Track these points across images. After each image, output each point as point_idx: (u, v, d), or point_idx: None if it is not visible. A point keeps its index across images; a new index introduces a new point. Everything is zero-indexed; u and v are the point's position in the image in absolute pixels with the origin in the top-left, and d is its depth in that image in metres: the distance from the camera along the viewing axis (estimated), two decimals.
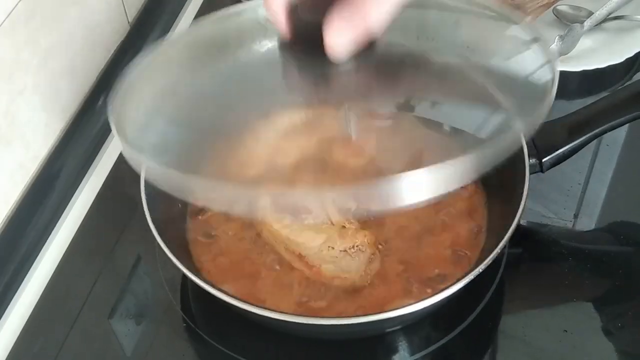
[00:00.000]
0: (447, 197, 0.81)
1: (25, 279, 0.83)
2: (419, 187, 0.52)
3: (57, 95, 0.93)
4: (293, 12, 0.63)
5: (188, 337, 0.76)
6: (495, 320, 0.76)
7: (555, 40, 0.99)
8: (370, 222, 0.79)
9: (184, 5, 1.20)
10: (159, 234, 0.70)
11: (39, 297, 0.80)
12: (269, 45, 0.76)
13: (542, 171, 0.76)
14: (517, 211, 0.69)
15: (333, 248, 0.74)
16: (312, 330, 0.69)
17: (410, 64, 0.68)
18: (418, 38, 0.69)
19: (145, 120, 0.66)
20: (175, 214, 0.80)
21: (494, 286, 0.76)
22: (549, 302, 0.77)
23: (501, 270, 0.78)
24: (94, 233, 0.87)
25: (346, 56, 0.61)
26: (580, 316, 0.75)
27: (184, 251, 0.76)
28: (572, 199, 0.87)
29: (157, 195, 0.75)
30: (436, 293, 0.64)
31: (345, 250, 0.74)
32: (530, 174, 0.73)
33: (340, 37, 0.59)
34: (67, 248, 0.85)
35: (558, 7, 1.08)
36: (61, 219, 0.89)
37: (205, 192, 0.59)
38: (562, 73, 0.98)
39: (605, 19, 1.05)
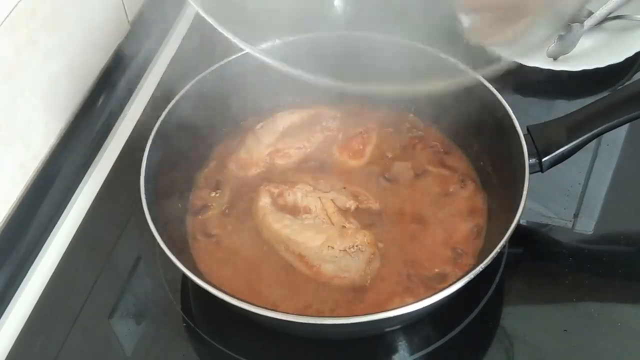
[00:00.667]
0: (448, 196, 0.81)
1: (26, 278, 0.83)
2: None
3: (57, 95, 0.93)
4: None
5: (188, 337, 0.76)
6: (495, 321, 0.76)
7: (555, 40, 0.99)
8: (370, 222, 0.79)
9: (184, 5, 1.20)
10: (159, 233, 0.70)
11: (39, 296, 0.80)
12: None
13: (541, 171, 0.76)
14: (517, 211, 0.69)
15: (333, 248, 0.74)
16: (312, 330, 0.69)
17: None
18: None
19: None
20: (175, 213, 0.80)
21: (494, 286, 0.77)
22: (549, 302, 0.77)
23: (501, 270, 0.78)
24: (94, 233, 0.87)
25: None
26: (580, 316, 0.75)
27: (184, 251, 0.76)
28: (572, 199, 0.87)
29: (157, 195, 0.75)
30: (436, 292, 0.64)
31: (345, 250, 0.74)
32: (530, 173, 0.73)
33: None
34: (67, 248, 0.85)
35: None
36: (61, 218, 0.89)
37: None
38: (562, 73, 0.99)
39: (605, 19, 1.05)
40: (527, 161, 0.73)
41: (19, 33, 0.83)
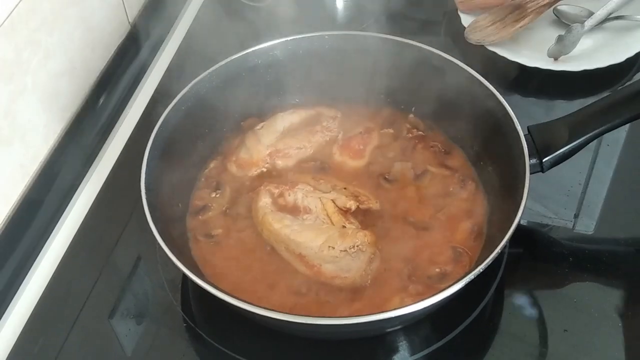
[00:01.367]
0: (448, 196, 0.81)
1: (26, 279, 0.83)
2: None
3: (57, 95, 0.93)
4: None
5: (188, 337, 0.76)
6: (496, 320, 0.76)
7: (555, 40, 0.99)
8: (370, 222, 0.79)
9: (184, 5, 1.20)
10: (160, 234, 0.70)
11: (39, 297, 0.80)
12: None
13: (542, 171, 0.76)
14: (517, 211, 0.69)
15: (333, 248, 0.74)
16: (311, 330, 0.69)
17: None
18: None
19: None
20: (175, 213, 0.80)
21: (494, 286, 0.76)
22: (549, 302, 0.77)
23: (501, 270, 0.78)
24: (94, 233, 0.87)
25: None
26: (580, 316, 0.75)
27: (184, 251, 0.76)
28: (572, 199, 0.87)
29: (157, 195, 0.75)
30: (436, 293, 0.64)
31: (345, 250, 0.74)
32: (531, 173, 0.73)
33: None
34: (67, 248, 0.85)
35: (558, 7, 1.08)
36: (61, 219, 0.89)
37: None
38: (563, 73, 0.99)
39: (606, 19, 1.05)
40: (527, 161, 0.73)
41: (19, 33, 0.83)
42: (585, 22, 1.03)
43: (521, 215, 0.68)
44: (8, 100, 0.82)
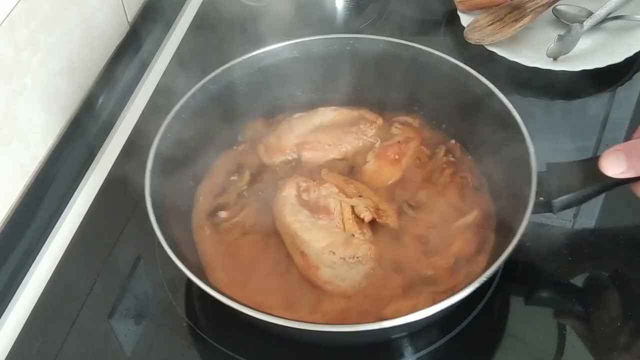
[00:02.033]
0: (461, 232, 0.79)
1: (25, 278, 0.83)
2: None
3: (57, 95, 0.93)
4: None
5: (188, 337, 0.76)
6: (495, 321, 0.76)
7: (555, 40, 0.99)
8: (386, 238, 0.78)
9: (183, 5, 1.20)
10: (163, 235, 0.69)
11: (38, 297, 0.80)
12: None
13: (552, 212, 0.73)
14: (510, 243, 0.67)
15: (334, 253, 0.74)
16: (306, 336, 0.69)
17: None
18: None
19: None
20: (178, 214, 0.80)
21: (493, 286, 0.76)
22: (548, 302, 0.77)
23: (500, 270, 0.78)
24: (94, 233, 0.87)
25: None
26: (580, 316, 0.75)
27: (188, 253, 0.76)
28: None
29: (160, 196, 0.74)
30: (444, 299, 0.63)
31: (344, 259, 0.74)
32: (540, 212, 0.71)
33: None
34: (67, 248, 0.85)
35: (558, 7, 1.08)
36: (61, 218, 0.89)
37: None
38: (562, 73, 0.99)
39: (605, 19, 1.05)
40: (531, 205, 0.70)
41: (19, 33, 0.83)
42: (585, 22, 1.03)
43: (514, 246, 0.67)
44: (8, 100, 0.82)
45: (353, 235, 0.76)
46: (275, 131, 0.89)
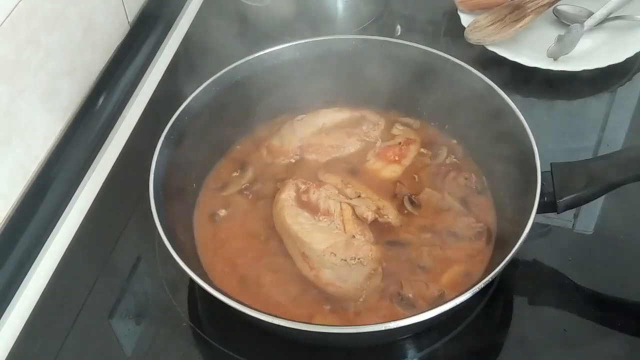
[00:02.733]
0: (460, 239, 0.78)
1: (26, 278, 0.83)
2: None
3: (57, 95, 0.93)
4: None
5: (188, 337, 0.76)
6: (495, 321, 0.76)
7: (555, 40, 0.99)
8: (386, 238, 0.78)
9: (183, 5, 1.20)
10: (165, 234, 0.69)
11: (39, 297, 0.80)
12: None
13: (556, 211, 0.73)
14: (508, 253, 0.67)
15: (335, 255, 0.74)
16: (306, 337, 0.69)
17: None
18: None
19: None
20: (180, 213, 0.79)
21: (493, 286, 0.76)
22: (549, 303, 0.77)
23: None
24: (94, 233, 0.87)
25: None
26: (581, 316, 0.75)
27: (188, 252, 0.76)
28: None
29: (163, 195, 0.74)
30: (446, 301, 0.63)
31: (345, 260, 0.73)
32: (544, 212, 0.72)
33: None
34: (67, 248, 0.85)
35: (558, 7, 1.08)
36: (61, 218, 0.89)
37: None
38: (562, 73, 0.99)
39: (606, 19, 1.05)
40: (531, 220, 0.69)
41: (19, 33, 0.83)
42: (585, 22, 1.03)
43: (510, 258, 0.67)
44: (8, 100, 0.82)
45: (354, 237, 0.76)
46: (278, 133, 0.89)
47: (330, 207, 0.78)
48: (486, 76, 0.82)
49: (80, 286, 0.81)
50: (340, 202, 0.79)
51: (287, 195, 0.79)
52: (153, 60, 1.09)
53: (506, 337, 0.74)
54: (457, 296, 0.64)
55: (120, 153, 0.95)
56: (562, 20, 1.08)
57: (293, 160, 0.87)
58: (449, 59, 0.84)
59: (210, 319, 0.77)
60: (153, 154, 0.76)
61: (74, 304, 0.79)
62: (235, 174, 0.86)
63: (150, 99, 1.03)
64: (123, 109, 1.02)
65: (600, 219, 0.84)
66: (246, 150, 0.89)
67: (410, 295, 0.72)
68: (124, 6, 1.07)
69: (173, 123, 0.79)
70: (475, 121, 0.83)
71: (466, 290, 0.64)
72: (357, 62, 0.89)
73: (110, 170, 0.93)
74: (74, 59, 0.95)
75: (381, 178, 0.85)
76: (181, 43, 1.12)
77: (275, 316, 0.64)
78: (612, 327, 0.74)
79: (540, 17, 1.05)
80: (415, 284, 0.73)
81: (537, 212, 0.69)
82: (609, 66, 0.98)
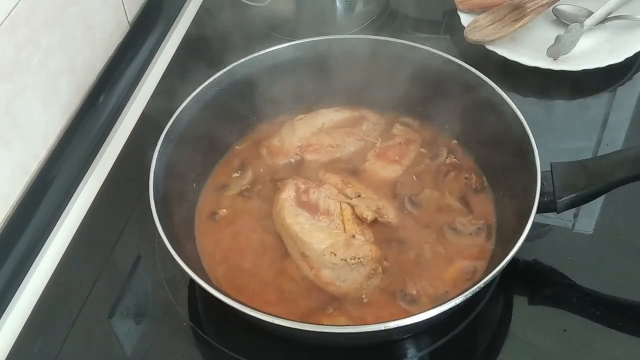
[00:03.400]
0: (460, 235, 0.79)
1: (26, 278, 0.83)
2: None
3: (57, 94, 0.93)
4: None
5: (188, 337, 0.76)
6: (495, 321, 0.76)
7: (555, 40, 0.99)
8: (387, 237, 0.78)
9: (183, 5, 1.20)
10: (165, 233, 0.69)
11: (39, 296, 0.80)
12: None
13: (556, 211, 0.73)
14: (507, 254, 0.67)
15: (335, 255, 0.74)
16: (306, 336, 0.69)
17: None
18: None
19: None
20: (180, 213, 0.80)
21: (493, 287, 0.76)
22: (549, 303, 0.77)
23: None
24: (94, 232, 0.87)
25: None
26: (580, 316, 0.75)
27: (189, 252, 0.76)
28: None
29: (163, 194, 0.74)
30: (446, 301, 0.64)
31: (345, 260, 0.73)
32: (544, 212, 0.72)
33: None
34: (67, 247, 0.85)
35: (558, 7, 1.08)
36: (61, 218, 0.89)
37: None
38: (562, 72, 0.99)
39: (605, 19, 1.05)
40: (531, 219, 0.69)
41: (19, 32, 0.83)
42: (585, 22, 1.03)
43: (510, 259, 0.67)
44: (8, 99, 0.82)
45: (354, 236, 0.76)
46: (278, 133, 0.89)
47: (330, 207, 0.78)
48: (486, 76, 0.82)
49: (80, 286, 0.81)
50: (340, 202, 0.79)
51: (287, 195, 0.79)
52: (153, 60, 1.09)
53: (506, 337, 0.74)
54: (457, 295, 0.64)
55: (120, 152, 0.95)
56: (561, 19, 1.08)
57: (293, 160, 0.87)
58: (448, 59, 0.85)
59: (211, 318, 0.77)
60: (153, 153, 0.76)
61: (74, 303, 0.79)
62: (235, 174, 0.86)
63: (150, 99, 1.03)
64: (123, 109, 1.02)
65: (600, 219, 0.84)
66: (246, 150, 0.89)
67: (414, 292, 0.73)
68: (123, 5, 1.07)
69: (173, 123, 0.79)
70: (475, 121, 0.83)
71: (467, 289, 0.64)
72: (357, 62, 0.89)
73: (110, 170, 0.93)
74: (73, 58, 0.95)
75: (381, 178, 0.85)
76: (181, 43, 1.12)
77: (276, 316, 0.64)
78: (612, 327, 0.74)
79: (540, 17, 1.05)
80: (419, 282, 0.74)
81: (537, 211, 0.69)
82: (609, 66, 0.98)
